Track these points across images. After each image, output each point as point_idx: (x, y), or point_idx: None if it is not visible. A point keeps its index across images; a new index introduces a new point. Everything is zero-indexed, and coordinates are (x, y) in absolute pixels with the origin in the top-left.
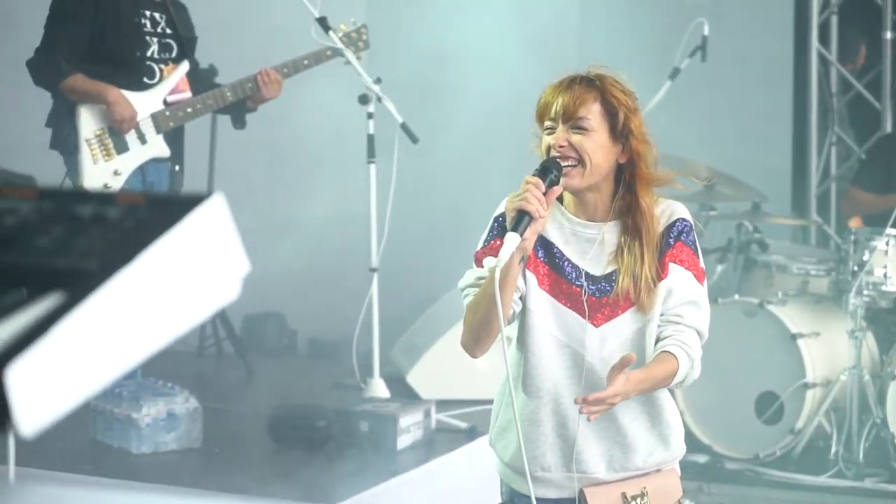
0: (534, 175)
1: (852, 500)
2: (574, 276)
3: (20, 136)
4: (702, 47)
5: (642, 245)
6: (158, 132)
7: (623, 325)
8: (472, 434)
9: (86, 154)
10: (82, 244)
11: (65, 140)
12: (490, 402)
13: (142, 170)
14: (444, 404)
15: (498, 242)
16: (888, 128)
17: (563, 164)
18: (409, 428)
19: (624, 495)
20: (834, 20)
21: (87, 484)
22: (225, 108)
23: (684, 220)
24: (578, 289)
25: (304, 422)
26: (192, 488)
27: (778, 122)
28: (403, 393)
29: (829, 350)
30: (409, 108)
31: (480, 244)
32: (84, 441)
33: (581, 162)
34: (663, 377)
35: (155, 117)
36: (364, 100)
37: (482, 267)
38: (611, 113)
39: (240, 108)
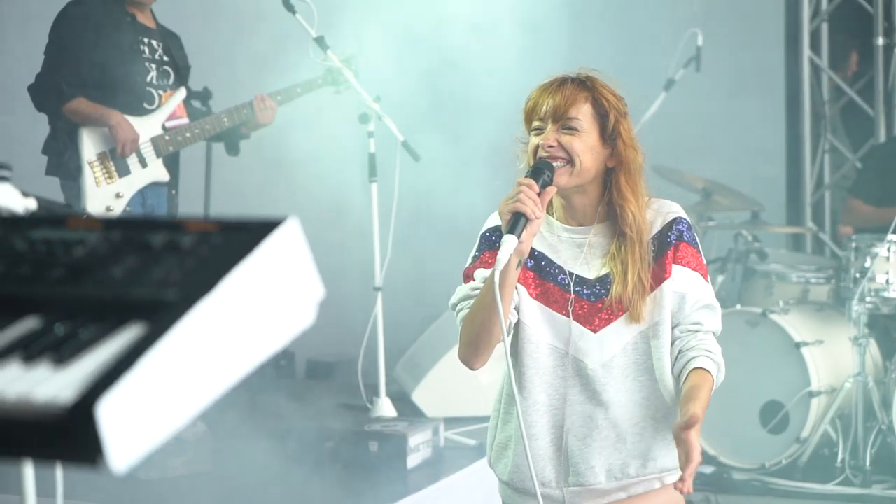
0: (526, 176)
1: None
2: (565, 282)
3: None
4: (696, 58)
5: (629, 251)
6: (158, 156)
7: (622, 329)
8: (480, 451)
9: (88, 176)
10: (158, 273)
11: (66, 164)
12: None
13: (142, 193)
14: (450, 422)
15: (488, 255)
16: (882, 134)
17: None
18: (419, 447)
19: None
20: (825, 27)
21: None
22: (219, 134)
23: (682, 218)
24: (575, 296)
25: (312, 443)
26: None
27: (772, 131)
28: (408, 411)
29: (833, 358)
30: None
31: (469, 261)
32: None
33: (570, 162)
34: (709, 396)
35: (155, 141)
36: (364, 119)
37: (474, 281)
38: (601, 115)
39: (234, 135)
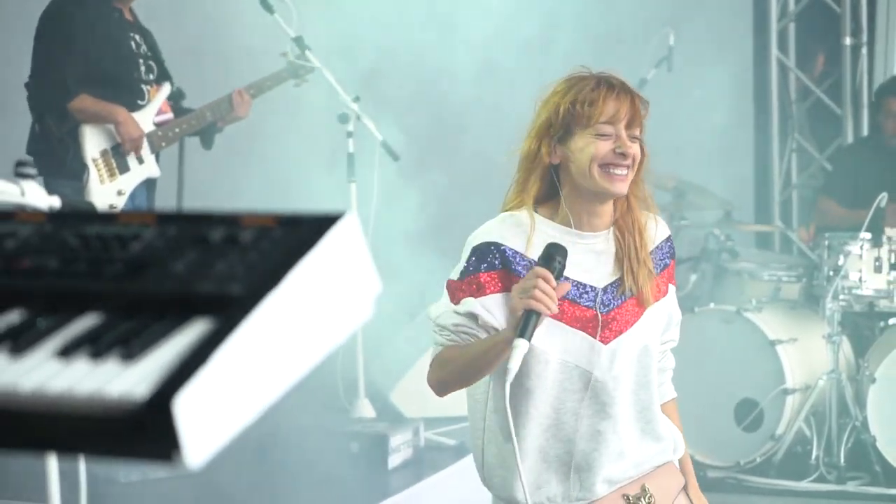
0: (538, 265)
1: None
2: (577, 293)
3: None
4: (668, 57)
5: (640, 249)
6: (153, 152)
7: (631, 342)
8: (460, 451)
9: (93, 173)
10: (221, 268)
11: (68, 163)
12: None
13: (134, 190)
14: (430, 422)
15: (480, 278)
16: (849, 134)
17: (620, 171)
18: (400, 447)
19: (626, 497)
20: (792, 27)
21: None
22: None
23: (670, 236)
24: (585, 308)
25: (293, 445)
26: None
27: (740, 130)
28: (387, 412)
29: (807, 355)
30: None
31: (457, 274)
32: (70, 471)
33: (629, 170)
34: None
35: (149, 138)
36: (343, 119)
37: (458, 303)
38: (643, 121)
39: (210, 129)
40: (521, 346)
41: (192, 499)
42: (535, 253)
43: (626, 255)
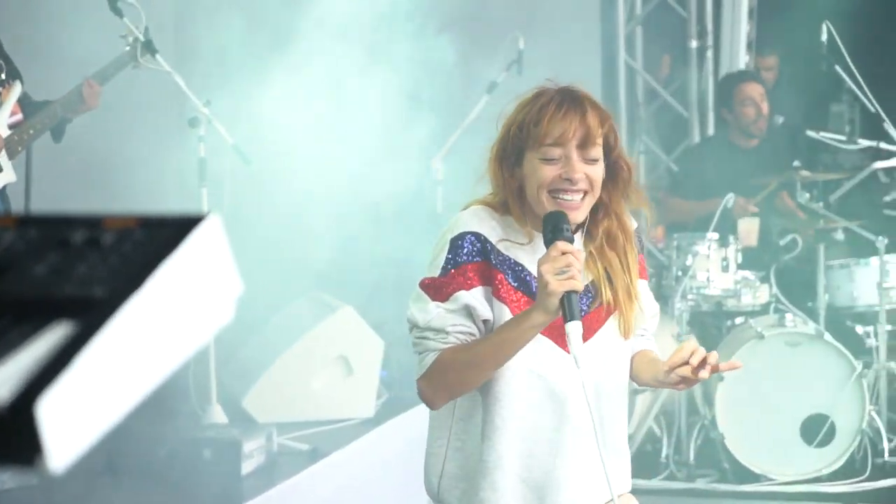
0: (553, 238)
1: (685, 502)
2: None
3: None
4: (517, 61)
5: (619, 251)
6: (11, 158)
7: (602, 350)
8: (314, 456)
9: None
10: (83, 271)
11: None
12: (331, 422)
13: None
14: (282, 427)
15: (467, 269)
16: (695, 135)
17: (569, 197)
18: (253, 453)
19: None
20: (640, 31)
21: None
22: None
23: (638, 228)
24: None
25: (144, 451)
26: None
27: None
28: (240, 417)
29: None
30: None
31: (438, 270)
32: None
33: (586, 194)
34: None
35: (7, 143)
36: (194, 122)
37: (443, 300)
38: (605, 136)
39: (60, 121)
40: (577, 328)
41: None
42: (506, 249)
43: (609, 277)
